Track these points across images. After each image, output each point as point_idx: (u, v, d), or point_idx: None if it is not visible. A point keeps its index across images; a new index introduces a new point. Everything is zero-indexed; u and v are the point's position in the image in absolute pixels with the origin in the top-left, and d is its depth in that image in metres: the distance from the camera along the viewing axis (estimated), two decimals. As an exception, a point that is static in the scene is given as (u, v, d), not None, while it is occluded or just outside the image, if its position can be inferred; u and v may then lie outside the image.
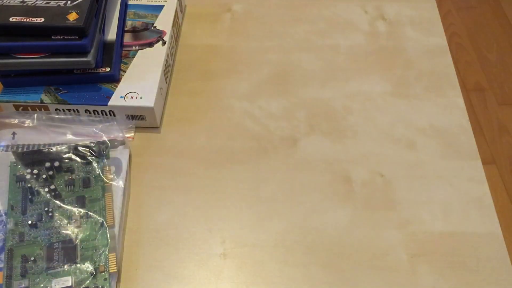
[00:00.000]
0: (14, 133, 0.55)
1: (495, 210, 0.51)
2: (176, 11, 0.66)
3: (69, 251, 0.46)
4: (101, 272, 0.45)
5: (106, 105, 0.55)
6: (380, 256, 0.48)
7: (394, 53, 0.65)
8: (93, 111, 0.56)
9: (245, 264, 0.48)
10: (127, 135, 0.56)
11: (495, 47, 1.66)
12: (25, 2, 0.55)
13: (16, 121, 0.56)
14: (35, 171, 0.50)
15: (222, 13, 0.71)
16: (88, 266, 0.45)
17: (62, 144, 0.53)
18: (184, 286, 0.46)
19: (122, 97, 0.56)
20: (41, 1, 0.55)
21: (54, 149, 0.51)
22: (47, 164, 0.50)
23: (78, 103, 0.55)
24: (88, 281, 0.44)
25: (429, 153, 0.55)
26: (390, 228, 0.50)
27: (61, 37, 0.54)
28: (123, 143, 0.54)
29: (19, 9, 0.54)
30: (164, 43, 0.61)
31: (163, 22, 0.63)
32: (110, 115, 0.56)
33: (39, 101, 0.56)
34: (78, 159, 0.51)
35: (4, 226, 0.47)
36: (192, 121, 0.59)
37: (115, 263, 0.46)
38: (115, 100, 0.55)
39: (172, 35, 0.64)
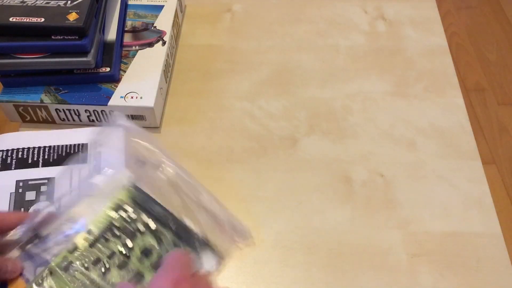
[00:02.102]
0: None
1: (495, 210, 0.51)
2: (176, 11, 0.65)
3: None
4: None
5: (106, 105, 0.55)
6: (380, 256, 0.48)
7: (394, 53, 0.65)
8: (93, 111, 0.56)
9: (245, 264, 0.48)
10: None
11: (495, 47, 1.66)
12: (25, 2, 0.55)
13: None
14: (134, 216, 0.44)
15: (222, 13, 0.71)
16: None
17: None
18: (184, 286, 0.46)
19: (122, 97, 0.56)
20: (41, 1, 0.55)
21: (171, 214, 0.44)
22: (152, 226, 0.43)
23: (78, 103, 0.55)
24: None
25: (429, 153, 0.55)
26: (390, 228, 0.50)
27: (61, 37, 0.54)
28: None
29: (19, 9, 0.54)
30: (164, 43, 0.61)
31: (163, 22, 0.63)
32: (110, 115, 0.56)
33: (39, 101, 0.56)
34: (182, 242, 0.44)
35: (66, 237, 0.42)
36: (192, 121, 0.59)
37: None
38: (115, 100, 0.55)
39: (172, 35, 0.63)
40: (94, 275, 0.41)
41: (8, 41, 0.53)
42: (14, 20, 0.53)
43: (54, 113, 0.57)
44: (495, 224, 0.50)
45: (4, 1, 0.55)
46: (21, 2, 0.55)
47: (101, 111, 0.56)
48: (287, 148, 0.56)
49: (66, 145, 0.55)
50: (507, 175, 1.35)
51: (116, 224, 0.43)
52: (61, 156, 0.54)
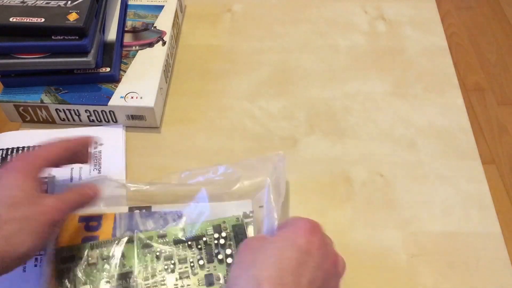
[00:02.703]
0: None
1: (495, 210, 0.51)
2: (176, 11, 0.65)
3: None
4: None
5: (106, 105, 0.55)
6: (380, 256, 0.48)
7: (394, 53, 0.65)
8: (93, 111, 0.56)
9: (245, 264, 0.47)
10: None
11: (495, 47, 1.66)
12: (25, 2, 0.55)
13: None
14: (222, 242, 0.45)
15: (222, 13, 0.71)
16: None
17: None
18: (184, 286, 0.46)
19: (122, 97, 0.56)
20: (41, 1, 0.55)
21: None
22: (230, 260, 0.45)
23: (78, 103, 0.55)
24: None
25: (429, 153, 0.55)
26: (390, 228, 0.50)
27: (61, 37, 0.54)
28: None
29: (19, 9, 0.54)
30: (164, 43, 0.61)
31: (163, 22, 0.63)
32: (110, 115, 0.56)
33: (39, 101, 0.56)
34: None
35: (164, 223, 0.46)
36: (192, 121, 0.59)
37: None
38: (115, 100, 0.55)
39: (172, 35, 0.64)
40: (159, 267, 0.43)
41: (8, 41, 0.53)
42: (14, 20, 0.53)
43: (54, 113, 0.57)
44: (495, 224, 0.50)
45: (4, 1, 0.55)
46: (21, 2, 0.55)
47: (101, 111, 0.56)
48: (287, 148, 0.56)
49: (66, 145, 0.55)
50: (507, 175, 1.35)
51: (206, 239, 0.45)
52: (61, 155, 0.54)
